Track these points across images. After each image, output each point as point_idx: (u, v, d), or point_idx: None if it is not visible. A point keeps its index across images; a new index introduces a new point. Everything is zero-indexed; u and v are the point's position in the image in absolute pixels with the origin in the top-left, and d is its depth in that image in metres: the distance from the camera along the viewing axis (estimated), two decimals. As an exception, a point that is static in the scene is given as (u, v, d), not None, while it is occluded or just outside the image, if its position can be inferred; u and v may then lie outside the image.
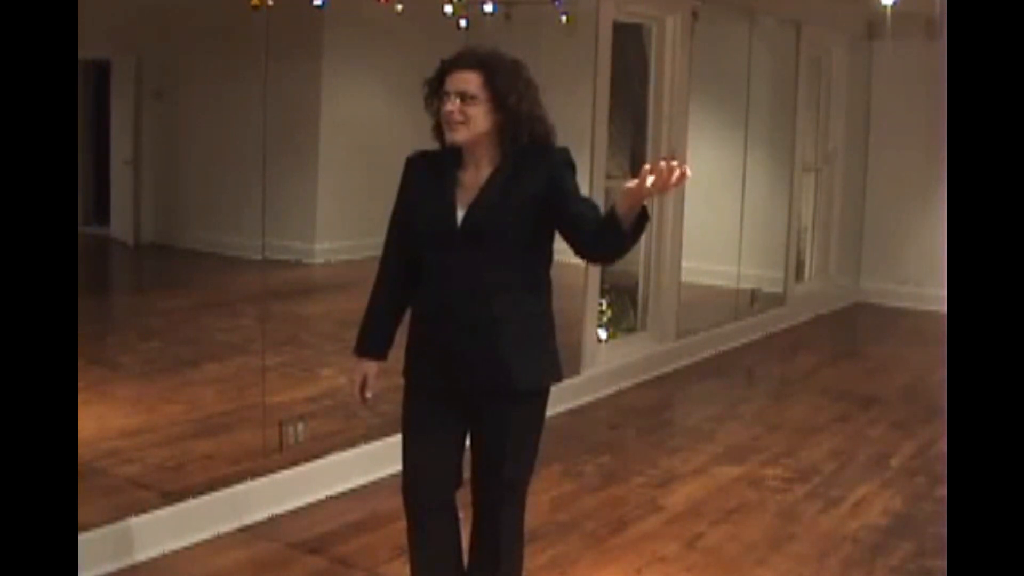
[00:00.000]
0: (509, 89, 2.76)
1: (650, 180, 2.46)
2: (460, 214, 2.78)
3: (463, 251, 2.77)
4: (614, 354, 6.36)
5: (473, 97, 2.74)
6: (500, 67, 2.78)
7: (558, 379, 2.95)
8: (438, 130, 2.85)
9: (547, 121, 2.85)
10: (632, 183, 2.50)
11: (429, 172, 2.87)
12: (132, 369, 5.92)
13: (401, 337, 2.97)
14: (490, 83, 2.75)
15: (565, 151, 2.86)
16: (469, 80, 2.75)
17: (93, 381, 5.24)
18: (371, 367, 2.99)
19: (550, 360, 2.91)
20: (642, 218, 2.57)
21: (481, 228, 2.76)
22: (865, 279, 9.32)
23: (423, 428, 2.93)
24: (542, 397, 2.92)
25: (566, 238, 2.80)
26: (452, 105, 2.74)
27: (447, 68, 2.79)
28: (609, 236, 2.62)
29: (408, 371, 2.95)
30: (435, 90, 2.81)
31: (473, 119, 2.75)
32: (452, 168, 2.83)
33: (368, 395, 3.02)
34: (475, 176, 2.82)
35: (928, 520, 4.35)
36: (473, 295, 2.78)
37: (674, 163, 2.47)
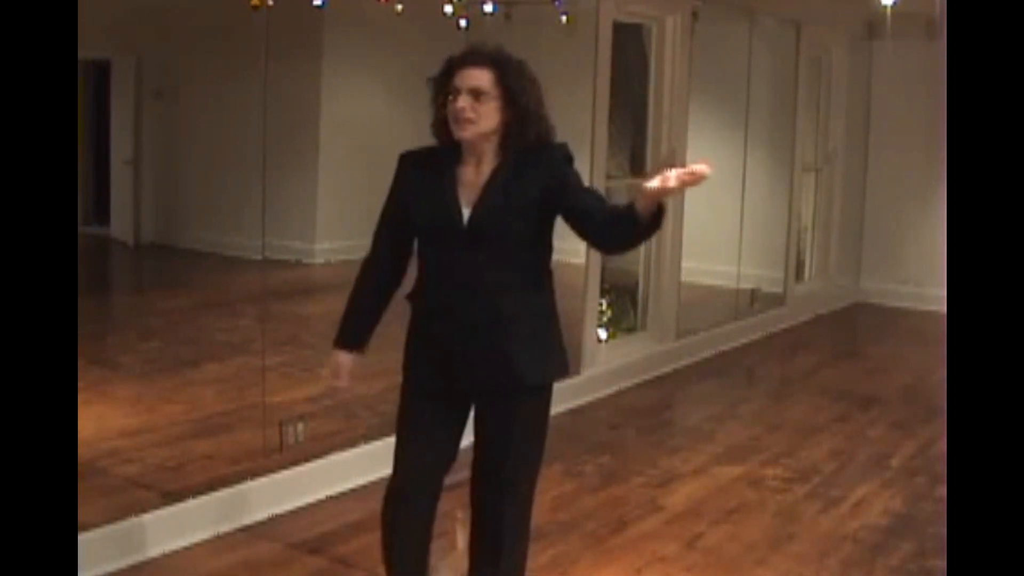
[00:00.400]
0: (519, 87, 2.77)
1: (673, 180, 2.45)
2: (465, 213, 2.78)
3: (467, 250, 2.77)
4: (614, 354, 6.36)
5: (485, 94, 2.74)
6: (510, 65, 2.78)
7: (564, 374, 2.97)
8: (438, 127, 2.84)
9: (549, 120, 2.86)
10: (654, 183, 2.49)
11: (427, 170, 2.85)
12: (132, 369, 5.92)
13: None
14: (501, 81, 2.75)
15: (564, 146, 2.88)
16: (481, 77, 2.74)
17: (93, 381, 5.24)
18: (347, 358, 2.99)
19: (555, 355, 2.92)
20: (659, 214, 2.57)
21: (486, 227, 2.76)
22: (865, 279, 9.32)
23: (419, 428, 2.93)
24: (546, 393, 2.92)
25: (576, 230, 2.82)
26: (463, 102, 2.73)
27: (456, 65, 2.78)
28: (625, 229, 2.65)
29: (407, 368, 2.95)
30: (442, 87, 2.80)
31: (483, 116, 2.74)
32: (451, 165, 2.82)
33: (343, 384, 3.01)
34: (476, 174, 2.81)
35: (928, 520, 4.35)
36: (476, 294, 2.78)
37: (697, 167, 2.45)
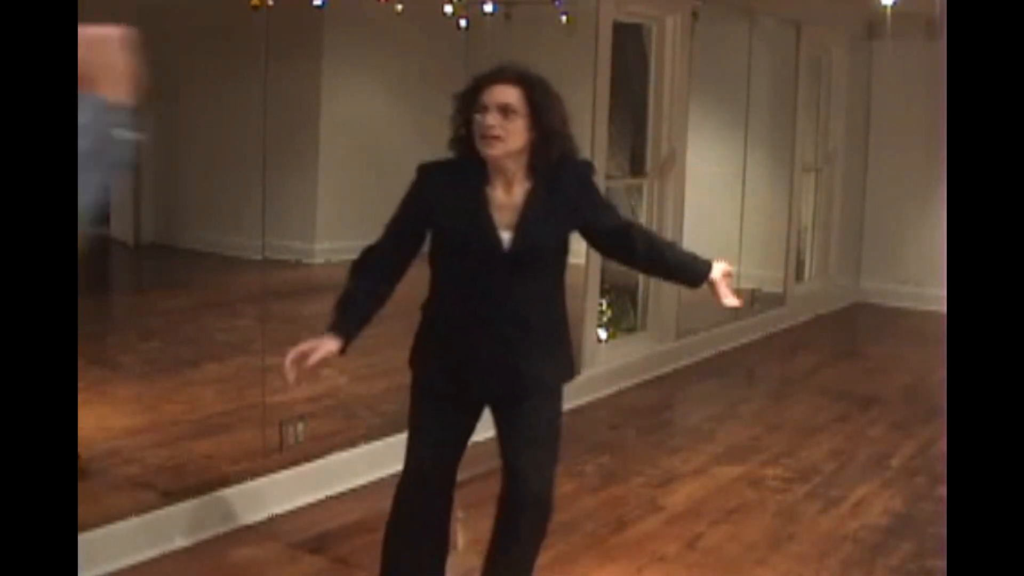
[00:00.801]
0: (547, 105, 2.76)
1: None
2: (504, 236, 2.77)
3: (502, 270, 2.78)
4: (614, 354, 6.36)
5: (513, 111, 2.71)
6: (538, 83, 2.78)
7: (573, 375, 3.01)
8: (459, 143, 2.81)
9: (574, 139, 2.87)
10: (725, 299, 2.98)
11: (455, 188, 2.81)
12: (132, 369, 5.91)
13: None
14: (530, 98, 2.74)
15: (588, 164, 2.92)
16: (510, 94, 2.72)
17: (93, 381, 5.24)
18: (332, 347, 2.76)
19: (568, 358, 2.98)
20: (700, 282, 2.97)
21: (527, 252, 2.79)
22: (865, 279, 9.31)
23: (430, 429, 2.93)
24: (558, 392, 2.96)
25: (596, 245, 3.02)
26: (493, 119, 2.70)
27: (484, 82, 2.76)
28: (671, 274, 3.10)
29: (417, 371, 2.95)
30: (468, 104, 2.77)
31: (512, 134, 2.72)
32: (481, 185, 2.79)
33: (292, 376, 2.73)
34: (508, 196, 2.79)
35: (928, 520, 4.35)
36: (505, 307, 2.81)
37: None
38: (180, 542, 3.86)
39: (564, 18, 6.03)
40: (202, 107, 8.18)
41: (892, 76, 8.96)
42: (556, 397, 2.94)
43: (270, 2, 4.67)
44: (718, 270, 2.95)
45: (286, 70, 5.67)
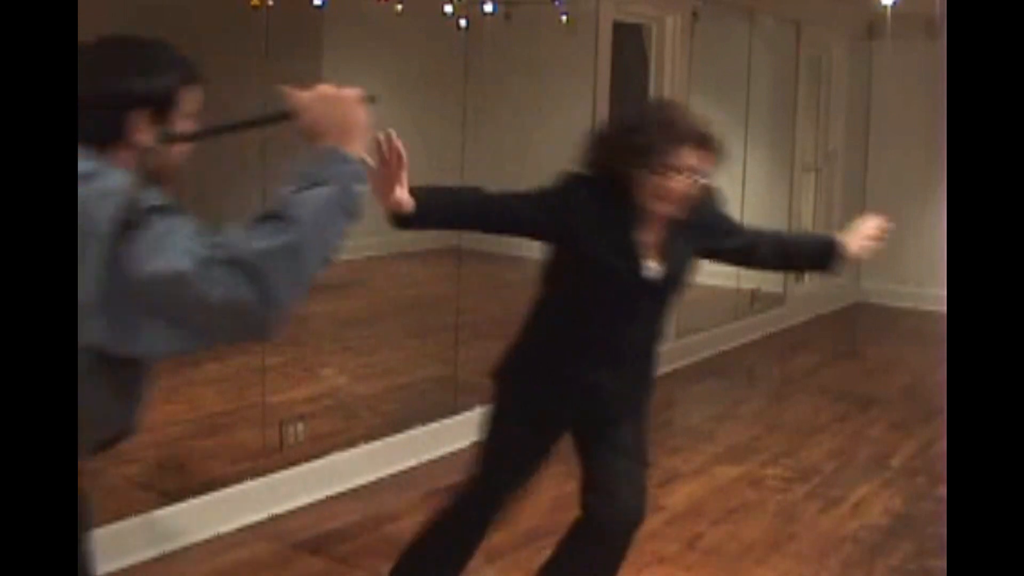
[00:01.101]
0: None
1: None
2: (651, 267, 2.76)
3: (648, 301, 2.80)
4: (614, 354, 6.35)
5: (702, 176, 2.71)
6: (717, 142, 2.76)
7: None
8: (600, 169, 2.76)
9: None
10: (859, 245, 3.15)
11: (601, 211, 2.73)
12: (132, 369, 5.90)
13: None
14: (716, 162, 2.75)
15: (717, 191, 2.93)
16: (708, 161, 2.71)
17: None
18: (403, 181, 2.50)
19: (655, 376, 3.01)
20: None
21: (673, 284, 2.82)
22: (865, 279, 9.32)
23: (519, 456, 2.89)
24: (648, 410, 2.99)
25: (722, 262, 3.06)
26: (690, 187, 2.68)
27: (684, 142, 2.67)
28: (807, 266, 3.34)
29: (514, 393, 2.89)
30: (648, 154, 2.67)
31: (693, 193, 2.73)
32: (630, 216, 2.74)
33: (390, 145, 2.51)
34: (650, 230, 2.76)
35: (928, 520, 4.36)
36: (643, 338, 2.84)
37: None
38: (180, 542, 3.86)
39: (564, 18, 6.04)
40: (202, 107, 8.17)
41: (892, 76, 8.96)
42: (648, 415, 2.97)
43: (270, 2, 4.67)
44: (854, 244, 3.16)
45: (286, 70, 5.66)
